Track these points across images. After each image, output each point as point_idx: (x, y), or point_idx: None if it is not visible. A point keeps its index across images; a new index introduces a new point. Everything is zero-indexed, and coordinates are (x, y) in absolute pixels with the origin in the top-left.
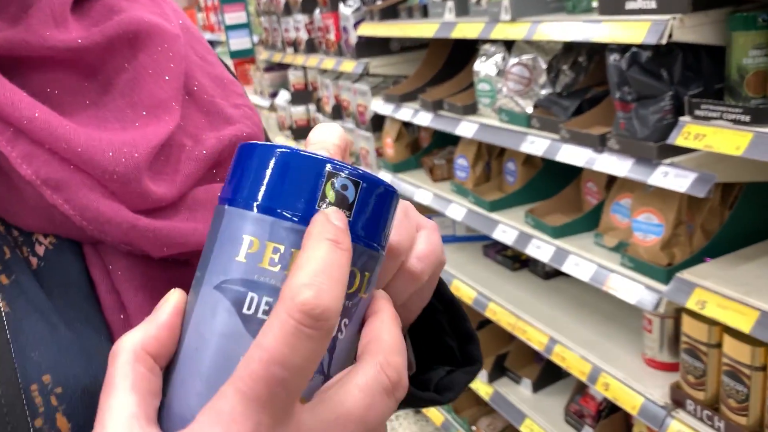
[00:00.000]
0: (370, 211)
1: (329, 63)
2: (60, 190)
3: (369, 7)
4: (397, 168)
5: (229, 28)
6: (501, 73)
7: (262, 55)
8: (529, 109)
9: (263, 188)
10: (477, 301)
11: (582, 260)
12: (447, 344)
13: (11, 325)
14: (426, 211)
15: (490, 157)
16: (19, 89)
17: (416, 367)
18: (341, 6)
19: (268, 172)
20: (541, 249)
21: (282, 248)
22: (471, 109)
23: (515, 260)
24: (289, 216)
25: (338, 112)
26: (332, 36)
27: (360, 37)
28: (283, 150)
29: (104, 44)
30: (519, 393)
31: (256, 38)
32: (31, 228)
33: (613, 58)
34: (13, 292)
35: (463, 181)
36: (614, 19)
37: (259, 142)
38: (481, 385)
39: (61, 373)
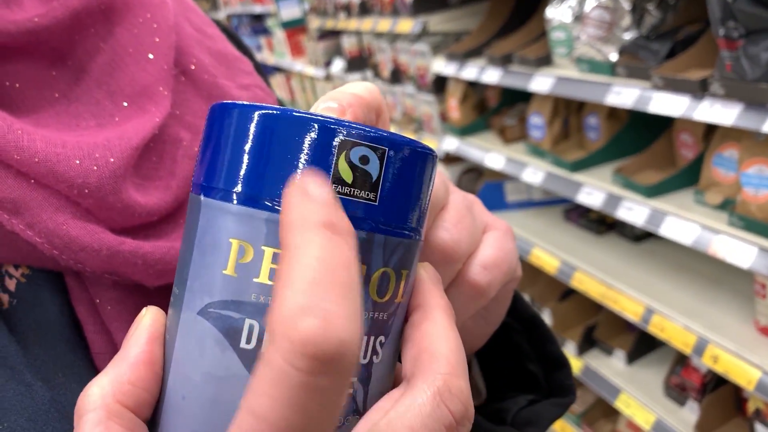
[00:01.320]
0: (402, 187)
1: (384, 25)
2: (18, 213)
3: None
4: (465, 131)
5: None
6: (578, 18)
7: (314, 23)
8: (613, 56)
9: (246, 169)
10: (561, 270)
11: (682, 221)
12: (528, 370)
13: None
14: (498, 176)
15: (568, 112)
16: None
17: (487, 394)
18: None
19: (253, 145)
20: (633, 211)
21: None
22: (545, 61)
23: (601, 223)
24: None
25: (397, 77)
26: None
27: None
28: (274, 112)
29: (69, 20)
30: (612, 366)
31: (306, 6)
32: (0, 259)
33: None
34: None
35: (539, 141)
36: None
37: (238, 102)
38: (570, 359)
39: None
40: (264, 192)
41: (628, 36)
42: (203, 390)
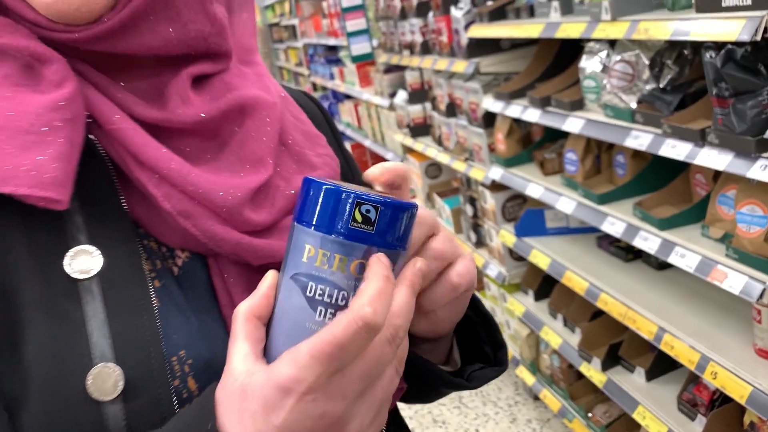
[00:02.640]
0: (388, 224)
1: (442, 63)
2: (189, 218)
3: (479, 9)
4: (509, 163)
5: (351, 34)
6: (605, 69)
7: (381, 57)
8: (633, 105)
9: (317, 213)
10: (589, 291)
11: (687, 251)
12: (484, 350)
13: (161, 315)
14: (537, 204)
15: (600, 150)
16: (163, 147)
17: (461, 364)
18: (452, 9)
19: (320, 201)
20: (648, 240)
21: (329, 254)
22: (578, 105)
23: (628, 251)
24: (333, 233)
25: (452, 110)
26: (445, 38)
27: (471, 38)
28: (328, 186)
29: (220, 116)
30: (632, 381)
31: (375, 42)
32: (174, 245)
33: (708, 55)
34: (162, 292)
35: (573, 174)
36: (710, 17)
37: (315, 178)
38: (594, 373)
39: (192, 350)
40: (322, 224)
41: (647, 87)
42: (289, 313)
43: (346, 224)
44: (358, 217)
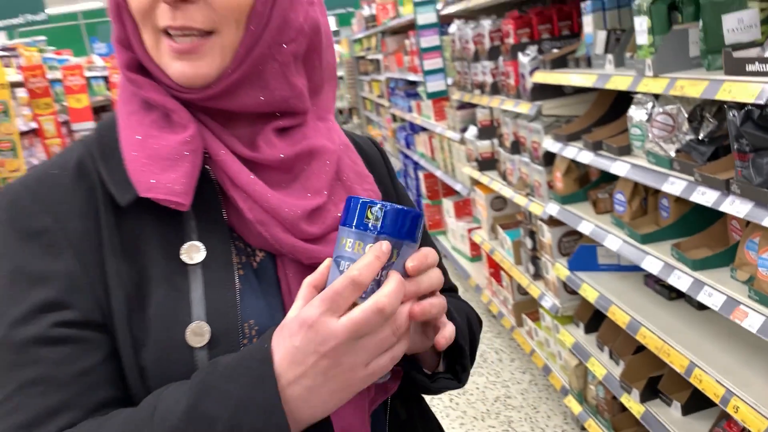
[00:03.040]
0: (391, 220)
1: (509, 104)
2: (263, 225)
3: (543, 57)
4: (565, 200)
5: (427, 72)
6: (650, 119)
7: (455, 95)
8: (672, 153)
9: (347, 215)
10: (630, 324)
11: (714, 291)
12: (463, 363)
13: (240, 294)
14: (590, 240)
15: (647, 193)
16: (251, 175)
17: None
18: (520, 55)
19: (349, 207)
20: (681, 279)
21: (351, 241)
22: (625, 151)
23: (672, 291)
24: (353, 226)
25: (516, 148)
26: (512, 81)
27: (534, 83)
28: (353, 197)
29: (294, 158)
30: (669, 414)
31: (450, 80)
32: (255, 245)
33: (731, 114)
34: (243, 279)
35: (621, 214)
36: (734, 79)
37: (353, 195)
38: (634, 405)
39: (258, 321)
40: (348, 222)
41: (687, 138)
42: (330, 282)
43: (360, 220)
44: (370, 216)
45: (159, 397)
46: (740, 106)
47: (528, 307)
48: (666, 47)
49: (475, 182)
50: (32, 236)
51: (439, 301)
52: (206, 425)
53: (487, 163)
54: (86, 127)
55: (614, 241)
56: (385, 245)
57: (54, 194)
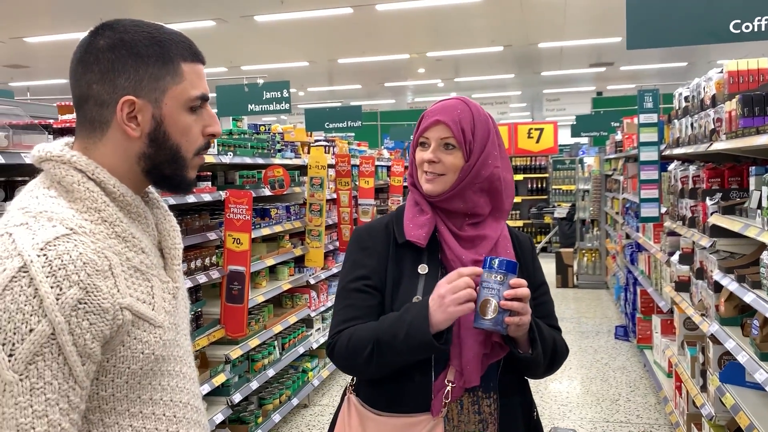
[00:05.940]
0: (505, 264)
1: (697, 237)
2: (455, 263)
3: (720, 203)
4: (723, 322)
5: (643, 200)
6: None
7: (666, 222)
8: None
9: (487, 262)
10: (748, 428)
11: None
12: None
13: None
14: (729, 356)
15: None
16: (455, 241)
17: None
18: (707, 198)
19: (488, 259)
20: None
21: (486, 274)
22: (757, 285)
23: None
24: (487, 268)
25: (701, 274)
26: (701, 217)
27: (712, 223)
28: (490, 256)
29: (475, 237)
30: None
31: (664, 209)
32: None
33: None
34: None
35: (755, 336)
36: None
37: (490, 256)
38: None
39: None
40: (487, 266)
41: None
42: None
43: (489, 264)
44: (494, 263)
45: (391, 314)
46: None
47: (697, 419)
48: None
49: (674, 302)
50: (363, 248)
51: (521, 305)
52: (402, 321)
53: (683, 286)
54: (368, 202)
55: (743, 356)
56: (471, 270)
57: (374, 233)
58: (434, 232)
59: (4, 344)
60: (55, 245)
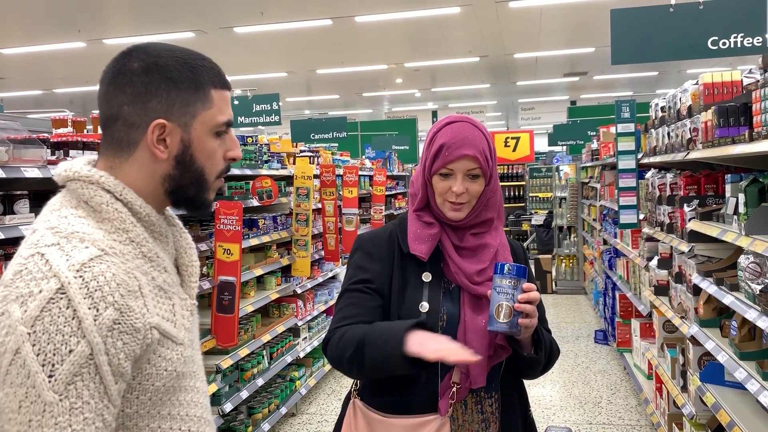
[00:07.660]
0: (516, 270)
1: (675, 242)
2: (457, 274)
3: (698, 209)
4: (702, 323)
5: (622, 207)
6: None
7: (645, 228)
8: (757, 291)
9: (497, 268)
10: (729, 424)
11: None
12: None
13: (441, 298)
14: (709, 357)
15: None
16: (455, 252)
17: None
18: (685, 206)
19: (500, 265)
20: (754, 385)
21: (498, 279)
22: (735, 288)
23: None
24: (499, 273)
25: (679, 278)
26: (679, 224)
27: (690, 228)
28: (502, 262)
29: (477, 246)
30: None
31: (642, 215)
32: (451, 281)
33: None
34: (444, 293)
35: (734, 337)
36: None
37: (502, 262)
38: None
39: (447, 310)
40: (497, 271)
41: None
42: (491, 298)
43: (502, 270)
44: (506, 269)
45: (385, 321)
46: None
47: (679, 418)
48: (755, 216)
49: (653, 306)
50: (368, 254)
51: (531, 308)
52: (390, 331)
53: (662, 290)
54: (352, 212)
55: (723, 356)
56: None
57: (378, 241)
58: (438, 246)
59: (44, 365)
60: (90, 267)
